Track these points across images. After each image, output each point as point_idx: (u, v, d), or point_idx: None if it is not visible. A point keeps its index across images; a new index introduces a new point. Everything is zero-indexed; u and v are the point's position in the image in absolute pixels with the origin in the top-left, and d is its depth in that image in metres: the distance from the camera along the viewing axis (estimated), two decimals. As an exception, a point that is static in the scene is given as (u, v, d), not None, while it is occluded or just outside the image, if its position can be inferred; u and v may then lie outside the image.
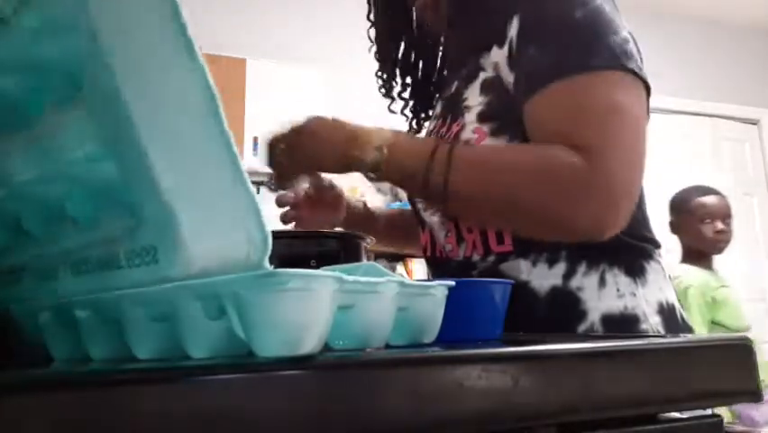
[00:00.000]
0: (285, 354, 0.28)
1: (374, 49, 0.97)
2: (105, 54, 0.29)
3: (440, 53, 0.98)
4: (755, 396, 0.39)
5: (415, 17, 0.95)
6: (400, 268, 2.88)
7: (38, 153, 0.35)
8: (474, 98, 0.75)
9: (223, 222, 0.30)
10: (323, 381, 0.27)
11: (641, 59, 0.69)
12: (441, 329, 0.41)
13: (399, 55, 0.97)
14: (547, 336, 0.48)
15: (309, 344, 0.29)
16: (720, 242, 2.19)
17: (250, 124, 2.91)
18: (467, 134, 0.73)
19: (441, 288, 0.40)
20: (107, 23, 0.29)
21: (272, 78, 3.04)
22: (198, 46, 0.31)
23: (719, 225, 2.17)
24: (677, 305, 0.76)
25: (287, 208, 0.94)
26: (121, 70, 0.29)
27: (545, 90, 0.66)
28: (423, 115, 0.99)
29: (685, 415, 0.39)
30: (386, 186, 2.63)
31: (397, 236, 1.06)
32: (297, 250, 0.70)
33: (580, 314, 0.70)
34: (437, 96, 0.94)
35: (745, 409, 2.00)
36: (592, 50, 0.66)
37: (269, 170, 0.77)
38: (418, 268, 2.91)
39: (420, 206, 0.85)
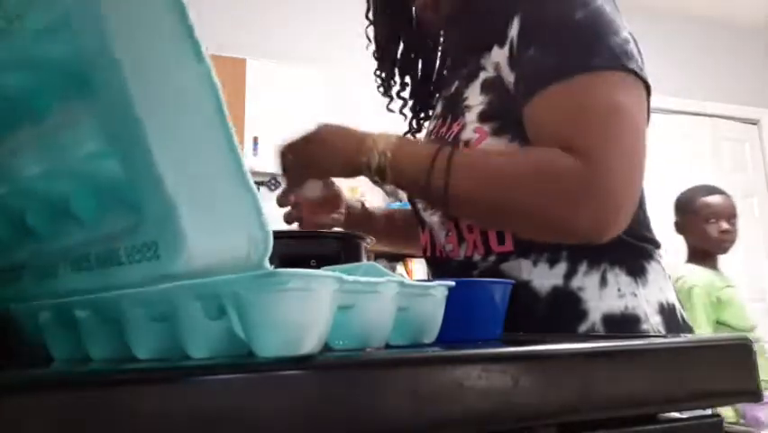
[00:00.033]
0: (285, 354, 0.28)
1: (373, 47, 0.97)
2: (114, 53, 0.29)
3: (439, 53, 0.98)
4: (755, 396, 0.39)
5: (414, 16, 0.95)
6: (400, 268, 2.88)
7: (44, 150, 0.35)
8: (475, 98, 0.75)
9: (224, 220, 0.30)
10: (323, 381, 0.27)
11: (642, 59, 0.69)
12: (441, 329, 0.41)
13: (398, 54, 0.97)
14: (547, 336, 0.48)
15: (309, 344, 0.29)
16: (725, 241, 2.19)
17: (250, 124, 2.92)
18: (468, 134, 0.73)
19: (441, 288, 0.40)
20: (117, 22, 0.30)
21: (272, 78, 3.05)
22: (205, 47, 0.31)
23: (724, 225, 2.17)
24: (677, 305, 0.76)
25: (288, 208, 0.94)
26: (129, 69, 0.29)
27: (545, 92, 0.66)
28: (422, 115, 0.99)
29: (685, 415, 0.39)
30: (393, 188, 2.64)
31: (396, 236, 1.06)
32: (297, 250, 0.70)
33: (581, 314, 0.70)
34: (437, 95, 0.94)
35: (750, 409, 2.00)
36: (593, 51, 0.65)
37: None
38: (418, 268, 2.91)
39: (420, 206, 0.85)
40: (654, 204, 0.87)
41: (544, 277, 0.71)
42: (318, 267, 0.38)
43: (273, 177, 2.92)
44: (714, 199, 2.22)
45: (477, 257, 0.75)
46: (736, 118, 4.16)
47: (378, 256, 2.55)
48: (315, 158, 0.75)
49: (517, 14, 0.71)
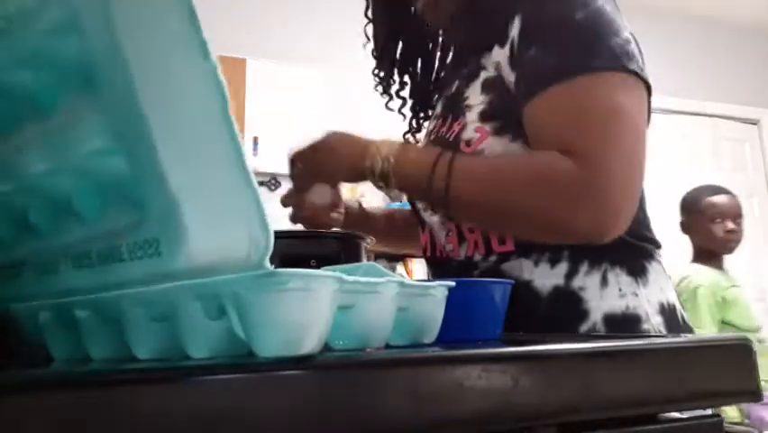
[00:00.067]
0: (285, 354, 0.28)
1: (371, 46, 0.97)
2: (123, 51, 0.29)
3: (438, 52, 0.98)
4: (755, 396, 0.39)
5: (414, 15, 0.94)
6: (400, 268, 2.88)
7: (50, 147, 0.36)
8: (475, 97, 0.75)
9: (226, 218, 0.30)
10: (323, 381, 0.27)
11: (642, 59, 0.69)
12: (441, 329, 0.41)
13: (398, 53, 0.96)
14: (547, 336, 0.48)
15: (309, 344, 0.29)
16: (731, 241, 2.19)
17: (250, 124, 2.92)
18: (469, 133, 0.74)
19: (441, 288, 0.40)
20: (126, 20, 0.30)
21: (272, 78, 3.04)
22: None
23: (730, 225, 2.17)
24: (677, 305, 0.76)
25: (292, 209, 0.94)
26: (136, 66, 0.29)
27: (546, 93, 0.66)
28: (422, 115, 0.99)
29: (685, 415, 0.39)
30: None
31: (396, 236, 1.06)
32: (297, 250, 0.70)
33: (583, 314, 0.70)
34: (437, 95, 0.94)
35: (755, 409, 2.00)
36: (593, 52, 0.65)
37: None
38: (418, 268, 2.91)
39: (420, 206, 0.85)
40: (654, 204, 0.87)
41: (546, 277, 0.71)
42: (318, 267, 0.38)
43: (273, 177, 2.92)
44: (720, 199, 2.22)
45: (478, 257, 0.75)
46: (736, 118, 4.16)
47: (378, 256, 2.54)
48: (322, 164, 0.77)
49: (518, 14, 0.71)
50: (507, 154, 0.71)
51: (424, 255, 0.87)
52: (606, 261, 0.71)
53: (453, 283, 0.41)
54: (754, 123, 4.22)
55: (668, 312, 0.73)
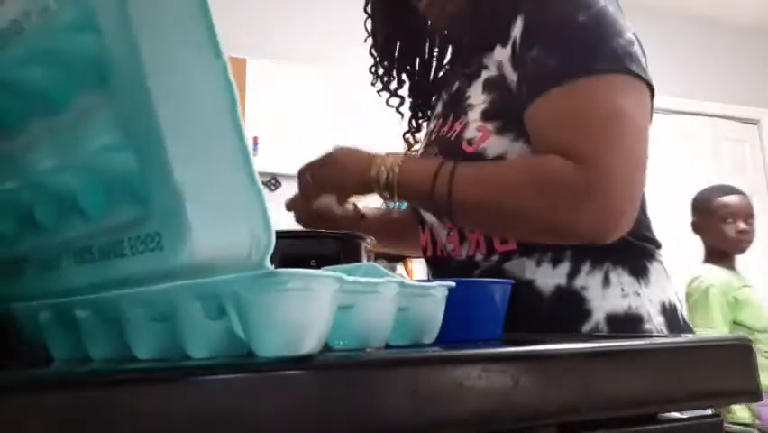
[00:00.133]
0: (285, 354, 0.28)
1: (370, 41, 0.97)
2: (138, 49, 0.30)
3: (437, 52, 0.98)
4: (755, 396, 0.39)
5: (414, 14, 0.94)
6: (400, 268, 2.87)
7: (58, 144, 0.36)
8: (477, 96, 0.75)
9: (229, 215, 0.31)
10: (323, 381, 0.27)
11: (645, 60, 0.68)
12: (441, 329, 0.41)
13: (397, 52, 0.96)
14: (547, 335, 0.48)
15: (309, 344, 0.29)
16: (743, 242, 2.18)
17: (250, 124, 2.91)
18: (470, 133, 0.74)
19: (441, 288, 0.40)
20: (142, 19, 0.30)
21: (272, 78, 3.04)
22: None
23: (741, 225, 2.17)
24: (678, 305, 0.76)
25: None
26: (149, 64, 0.30)
27: (548, 94, 0.66)
28: (421, 114, 0.99)
29: (685, 415, 0.39)
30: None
31: (395, 237, 1.05)
32: (297, 250, 0.70)
33: (585, 313, 0.70)
34: (436, 95, 0.94)
35: (766, 410, 2.00)
36: (596, 54, 0.65)
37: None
38: (418, 268, 2.90)
39: (420, 206, 0.85)
40: (655, 204, 0.87)
41: (548, 276, 0.71)
42: (318, 267, 0.38)
43: (273, 177, 2.92)
44: (731, 199, 2.21)
45: (479, 256, 0.75)
46: (736, 118, 4.16)
47: (378, 256, 2.54)
48: (329, 177, 0.79)
49: (521, 14, 0.71)
50: (508, 157, 0.71)
51: (424, 255, 0.87)
52: (608, 261, 0.71)
53: (453, 283, 0.41)
54: (754, 123, 4.22)
55: (669, 312, 0.73)
